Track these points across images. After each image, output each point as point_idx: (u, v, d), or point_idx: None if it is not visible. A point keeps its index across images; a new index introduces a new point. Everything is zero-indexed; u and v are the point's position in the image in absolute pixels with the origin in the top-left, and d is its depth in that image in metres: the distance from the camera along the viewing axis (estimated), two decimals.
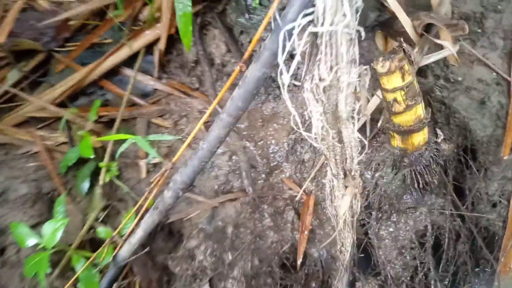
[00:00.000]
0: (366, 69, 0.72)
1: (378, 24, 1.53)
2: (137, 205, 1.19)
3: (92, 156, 1.42)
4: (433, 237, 1.46)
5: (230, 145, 1.53)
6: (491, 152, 1.48)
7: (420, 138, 1.09)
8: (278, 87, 1.56)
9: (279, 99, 1.59)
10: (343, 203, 0.97)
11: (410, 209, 1.42)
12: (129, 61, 1.72)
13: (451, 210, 1.46)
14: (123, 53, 1.70)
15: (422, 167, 1.11)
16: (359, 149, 0.85)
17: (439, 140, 1.15)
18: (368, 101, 0.78)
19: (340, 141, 0.84)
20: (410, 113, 1.03)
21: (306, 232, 1.50)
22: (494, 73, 1.56)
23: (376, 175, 1.18)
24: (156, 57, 1.72)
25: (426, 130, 1.09)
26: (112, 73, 1.76)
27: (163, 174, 1.26)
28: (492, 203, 1.52)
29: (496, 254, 1.52)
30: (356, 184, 0.94)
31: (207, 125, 1.57)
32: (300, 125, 0.71)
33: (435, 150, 1.13)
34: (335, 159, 0.87)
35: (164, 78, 1.77)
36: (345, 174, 0.93)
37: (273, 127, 1.58)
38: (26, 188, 1.44)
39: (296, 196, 1.51)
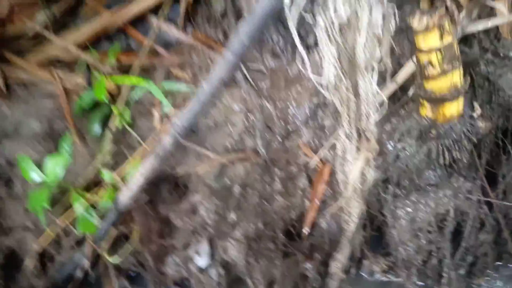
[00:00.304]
0: (392, 8, 0.61)
1: None
2: (140, 151, 1.15)
3: (105, 100, 1.39)
4: (454, 222, 1.35)
5: (248, 103, 1.45)
6: None
7: (453, 109, 0.97)
8: (307, 47, 1.45)
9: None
10: (354, 168, 0.89)
11: (432, 188, 1.30)
12: (158, 10, 1.66)
13: (479, 195, 1.34)
14: (150, 0, 1.64)
15: (451, 141, 0.99)
16: (377, 106, 0.75)
17: (475, 115, 1.02)
18: (393, 49, 0.67)
19: (356, 94, 0.74)
20: (445, 79, 0.91)
21: (317, 202, 1.43)
22: None
23: (399, 146, 1.07)
24: (182, 6, 1.64)
25: (461, 101, 0.97)
26: (139, 21, 1.70)
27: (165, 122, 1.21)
28: None
29: None
30: (371, 148, 0.85)
31: None
32: (308, 65, 0.63)
33: (469, 125, 1.01)
34: (349, 116, 0.78)
35: (189, 29, 1.70)
36: (359, 135, 0.84)
37: (296, 89, 1.48)
38: (39, 124, 1.44)
39: (311, 163, 1.43)
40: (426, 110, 0.98)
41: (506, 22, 1.27)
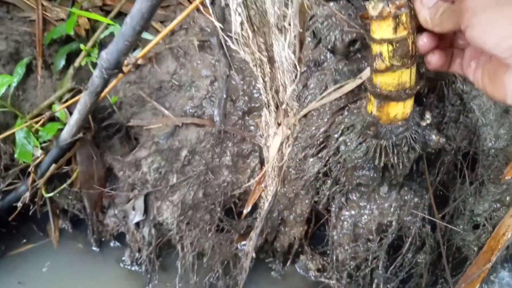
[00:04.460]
0: None
1: None
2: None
3: (72, 34, 1.37)
4: (392, 235, 1.31)
5: (217, 71, 1.42)
6: (494, 168, 1.27)
7: (398, 110, 0.92)
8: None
9: None
10: (274, 143, 0.85)
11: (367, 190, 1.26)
12: None
13: (424, 213, 1.29)
14: None
15: (390, 144, 0.95)
16: (294, 75, 0.70)
17: (423, 124, 0.97)
18: (302, 11, 0.62)
19: (270, 58, 0.70)
20: (393, 75, 0.86)
21: (263, 184, 1.39)
22: None
23: (340, 139, 1.03)
24: None
25: (408, 103, 0.92)
26: None
27: (126, 67, 1.18)
28: (474, 223, 1.33)
29: (458, 279, 1.35)
30: (290, 123, 0.81)
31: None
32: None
33: (414, 131, 0.96)
34: (265, 81, 0.74)
35: None
36: (277, 107, 0.80)
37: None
38: (5, 45, 1.41)
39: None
40: (373, 107, 0.93)
41: None
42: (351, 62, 1.24)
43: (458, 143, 1.28)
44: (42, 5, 1.60)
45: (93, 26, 1.48)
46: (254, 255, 1.43)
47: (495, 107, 1.29)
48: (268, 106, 0.79)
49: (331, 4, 1.23)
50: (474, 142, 1.27)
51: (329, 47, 1.23)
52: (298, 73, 0.69)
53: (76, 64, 1.41)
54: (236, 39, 0.65)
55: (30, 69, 1.51)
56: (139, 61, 1.43)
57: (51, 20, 1.61)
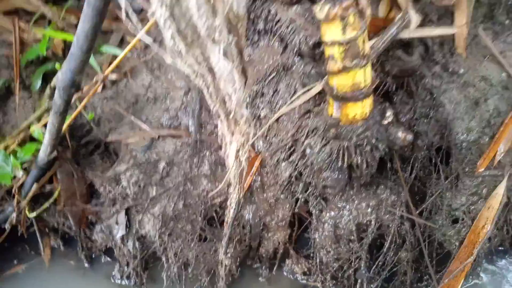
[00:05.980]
0: None
1: None
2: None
3: (44, 54, 1.39)
4: (372, 234, 1.31)
5: (191, 81, 1.43)
6: (468, 161, 1.27)
7: (356, 110, 0.93)
8: (259, 33, 1.41)
9: (257, 46, 1.45)
10: (231, 152, 0.86)
11: (357, 197, 1.28)
12: None
13: (402, 211, 1.30)
14: None
15: (352, 145, 0.96)
16: (236, 84, 0.72)
17: (385, 122, 0.98)
18: (231, 22, 0.63)
19: (211, 69, 0.71)
20: (346, 76, 0.87)
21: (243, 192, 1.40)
22: (504, 75, 1.32)
23: (306, 142, 1.04)
24: None
25: (366, 103, 0.93)
26: None
27: (95, 85, 1.20)
28: (453, 218, 1.33)
29: (443, 274, 1.34)
30: (242, 130, 0.82)
31: None
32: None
33: (375, 130, 0.97)
34: (209, 92, 0.75)
35: None
36: (227, 117, 0.81)
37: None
38: None
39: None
40: (332, 109, 0.95)
41: (454, 33, 1.22)
42: (319, 64, 1.25)
43: (430, 138, 1.29)
44: (19, 27, 1.64)
45: (69, 44, 1.49)
46: (234, 263, 1.44)
47: (465, 99, 1.29)
48: (218, 116, 0.81)
49: (295, 7, 1.24)
50: (446, 136, 1.27)
51: (295, 50, 1.25)
52: (237, 82, 0.71)
53: (53, 84, 1.43)
54: (171, 52, 0.67)
55: (10, 91, 1.54)
56: (115, 77, 1.46)
57: (28, 41, 1.64)
